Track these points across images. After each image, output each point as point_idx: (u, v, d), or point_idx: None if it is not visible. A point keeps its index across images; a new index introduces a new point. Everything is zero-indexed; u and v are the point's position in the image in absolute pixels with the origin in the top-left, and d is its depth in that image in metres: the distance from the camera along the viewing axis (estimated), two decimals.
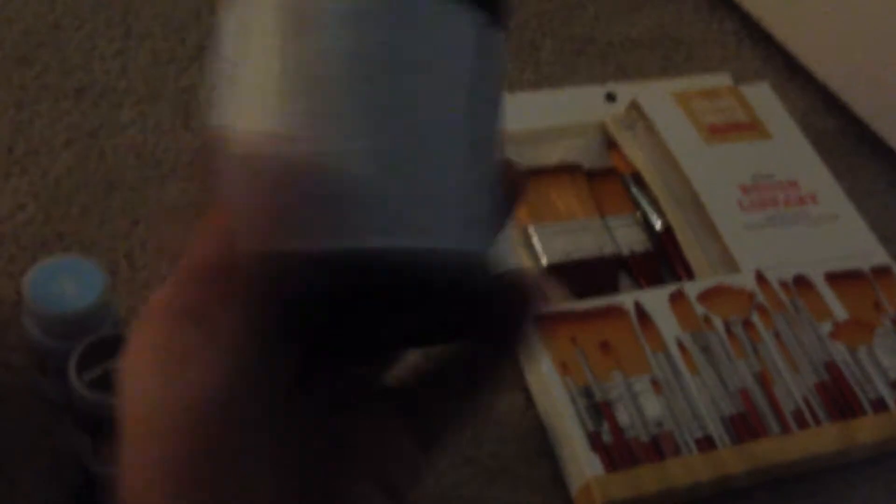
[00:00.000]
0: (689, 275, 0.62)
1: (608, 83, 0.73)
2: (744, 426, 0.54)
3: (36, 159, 0.60)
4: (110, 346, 0.44)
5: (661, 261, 0.63)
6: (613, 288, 0.61)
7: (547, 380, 0.54)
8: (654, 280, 0.62)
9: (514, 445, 0.54)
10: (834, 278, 0.61)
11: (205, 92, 0.66)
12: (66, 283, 0.45)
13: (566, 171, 0.66)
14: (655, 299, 0.58)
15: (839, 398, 0.56)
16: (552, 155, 0.67)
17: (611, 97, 0.73)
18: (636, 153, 0.67)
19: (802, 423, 0.54)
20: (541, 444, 0.54)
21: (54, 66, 0.65)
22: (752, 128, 0.70)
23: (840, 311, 0.60)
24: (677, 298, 0.59)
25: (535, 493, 0.53)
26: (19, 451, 0.49)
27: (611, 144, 0.69)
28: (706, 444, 0.53)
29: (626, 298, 0.58)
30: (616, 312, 0.57)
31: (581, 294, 0.60)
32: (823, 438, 0.54)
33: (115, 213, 0.58)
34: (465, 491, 0.52)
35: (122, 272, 0.56)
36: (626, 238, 0.64)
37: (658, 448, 0.52)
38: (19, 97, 0.63)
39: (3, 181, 0.58)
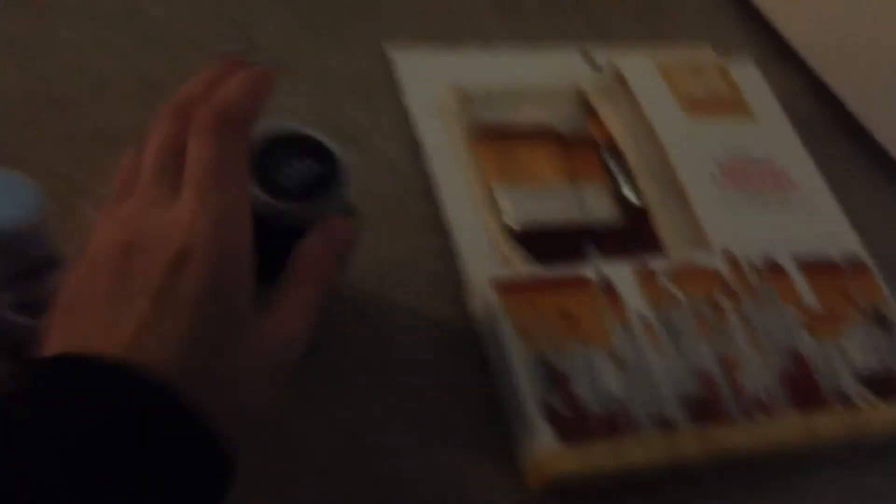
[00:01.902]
0: (660, 251, 0.59)
1: (587, 42, 0.70)
2: (703, 409, 0.52)
3: None
4: (40, 270, 0.40)
5: (632, 235, 0.61)
6: (579, 258, 0.58)
7: (503, 343, 0.51)
8: (623, 253, 0.59)
9: (465, 410, 0.51)
10: (807, 266, 0.59)
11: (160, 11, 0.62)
12: None
13: (540, 133, 0.64)
14: (622, 272, 0.56)
15: (803, 389, 0.54)
16: (527, 115, 0.64)
17: (591, 62, 0.70)
18: (614, 122, 0.65)
19: (764, 412, 0.52)
20: (492, 411, 0.51)
21: None
22: (735, 107, 0.67)
23: (811, 301, 0.58)
24: (644, 273, 0.56)
25: (484, 459, 0.50)
26: None
27: (588, 111, 0.66)
28: (663, 423, 0.50)
29: (592, 269, 0.56)
30: (580, 282, 0.55)
31: (546, 262, 0.57)
32: (784, 428, 0.52)
33: (56, 133, 0.54)
34: (411, 453, 0.49)
35: (60, 195, 0.52)
36: (597, 209, 0.61)
37: (613, 423, 0.50)
38: None
39: None
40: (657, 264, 0.57)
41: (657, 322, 0.54)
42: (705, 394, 0.52)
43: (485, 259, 0.57)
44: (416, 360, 0.52)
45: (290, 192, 0.41)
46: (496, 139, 0.62)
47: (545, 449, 0.48)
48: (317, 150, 0.43)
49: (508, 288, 0.53)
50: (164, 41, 0.61)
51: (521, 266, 0.56)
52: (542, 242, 0.58)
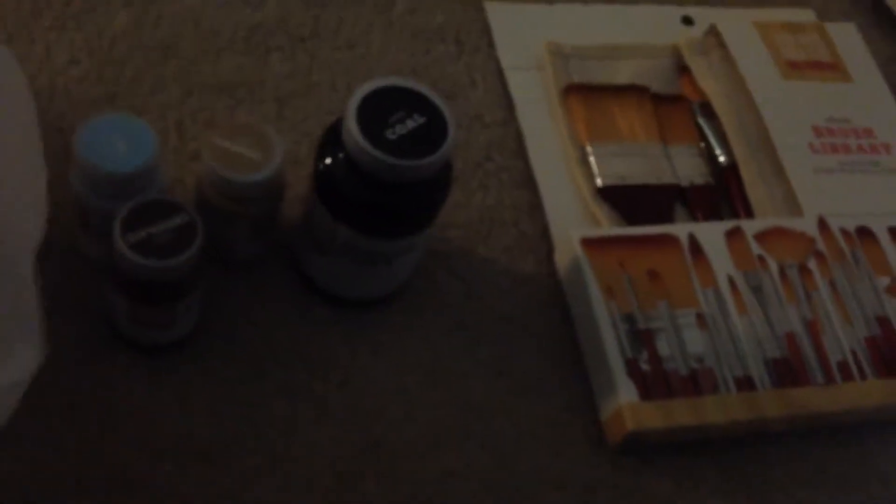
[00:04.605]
0: (749, 214, 0.60)
1: (686, 5, 0.70)
2: (786, 371, 0.52)
3: (93, 16, 0.58)
4: (156, 211, 0.43)
5: (721, 196, 0.61)
6: (668, 218, 0.59)
7: (590, 302, 0.52)
8: (712, 215, 0.60)
9: (549, 363, 0.53)
10: None
11: None
12: (118, 141, 0.44)
13: (633, 91, 0.64)
14: (711, 233, 0.56)
15: (888, 354, 0.54)
16: (620, 73, 0.65)
17: (688, 20, 0.69)
18: (708, 81, 0.64)
19: (847, 376, 0.53)
20: (576, 367, 0.53)
21: None
22: (833, 68, 0.66)
23: None
24: (734, 235, 0.57)
25: (565, 411, 0.52)
26: (55, 306, 0.48)
27: (682, 70, 0.66)
28: (746, 384, 0.52)
29: (681, 229, 0.56)
30: (668, 242, 0.56)
31: (633, 220, 0.58)
32: (867, 393, 0.53)
33: (167, 81, 0.57)
34: (494, 401, 0.51)
35: (171, 141, 0.55)
36: (687, 169, 0.61)
37: (696, 383, 0.51)
38: None
39: (59, 33, 0.57)
40: (747, 226, 0.57)
41: (744, 284, 0.55)
42: (789, 356, 0.53)
43: (572, 216, 0.58)
44: (503, 314, 0.54)
45: (399, 147, 0.43)
46: (589, 96, 0.63)
47: (627, 404, 0.50)
48: (420, 104, 0.45)
49: (596, 245, 0.54)
50: None
51: (609, 225, 0.57)
52: (630, 201, 0.59)
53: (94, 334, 0.48)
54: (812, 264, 0.57)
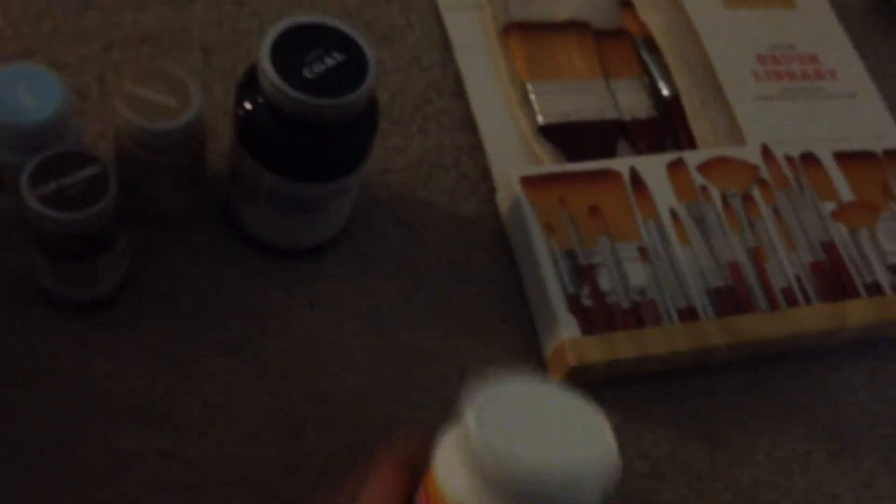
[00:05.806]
0: (693, 146, 0.59)
1: None
2: (730, 300, 0.52)
3: None
4: (67, 163, 0.41)
5: (665, 129, 0.60)
6: (611, 153, 0.58)
7: (530, 240, 0.52)
8: (655, 148, 0.59)
9: (492, 305, 0.52)
10: (844, 158, 0.58)
11: None
12: (24, 93, 0.42)
13: (573, 28, 0.62)
14: (652, 166, 0.55)
15: (833, 279, 0.54)
16: (561, 10, 0.63)
17: None
18: (650, 14, 0.63)
19: (792, 302, 0.52)
20: (520, 308, 0.52)
21: None
22: None
23: (846, 192, 0.57)
24: (676, 167, 0.56)
25: (509, 353, 0.51)
26: None
27: (624, 4, 0.65)
28: (689, 314, 0.51)
29: (622, 163, 0.55)
30: (610, 176, 0.55)
31: (576, 158, 0.57)
32: (812, 317, 0.52)
33: (88, 35, 0.55)
34: (438, 345, 0.50)
35: (93, 95, 0.53)
36: (630, 103, 0.60)
37: (638, 315, 0.50)
38: None
39: None
40: (689, 157, 0.56)
41: (686, 216, 0.54)
42: (732, 285, 0.52)
43: (513, 156, 0.57)
44: (445, 258, 0.53)
45: (318, 85, 0.42)
46: (529, 34, 0.61)
47: (569, 340, 0.49)
48: (341, 43, 0.43)
49: (535, 183, 0.53)
50: None
51: (551, 163, 0.56)
52: (572, 138, 0.58)
53: (20, 294, 0.46)
54: (755, 192, 0.56)
